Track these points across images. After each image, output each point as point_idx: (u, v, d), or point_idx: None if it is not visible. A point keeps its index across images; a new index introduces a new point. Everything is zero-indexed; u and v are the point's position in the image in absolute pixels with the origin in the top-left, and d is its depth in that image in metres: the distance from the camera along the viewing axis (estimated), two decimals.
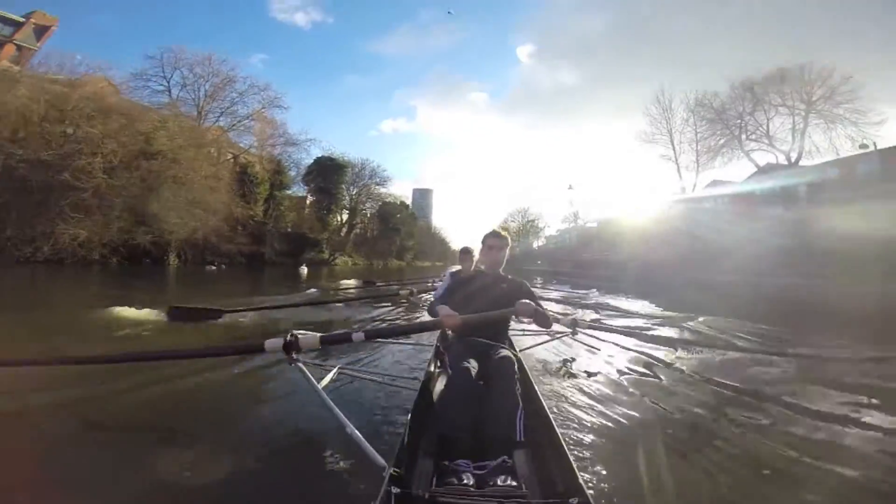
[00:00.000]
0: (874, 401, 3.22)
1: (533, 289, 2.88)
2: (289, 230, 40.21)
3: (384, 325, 5.78)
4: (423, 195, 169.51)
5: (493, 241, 2.75)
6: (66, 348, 4.39)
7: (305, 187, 50.33)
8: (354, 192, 59.41)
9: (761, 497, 1.98)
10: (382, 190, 64.38)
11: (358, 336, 2.09)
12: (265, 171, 37.52)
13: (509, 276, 2.85)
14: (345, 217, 58.74)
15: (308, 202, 50.34)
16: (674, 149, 37.86)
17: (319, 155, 49.76)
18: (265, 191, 37.29)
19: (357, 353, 4.24)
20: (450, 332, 2.75)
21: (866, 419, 2.87)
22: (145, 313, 6.36)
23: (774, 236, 20.39)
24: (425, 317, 3.63)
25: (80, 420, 2.78)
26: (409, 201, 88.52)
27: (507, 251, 2.78)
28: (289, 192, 43.84)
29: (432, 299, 3.47)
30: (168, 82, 35.80)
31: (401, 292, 7.77)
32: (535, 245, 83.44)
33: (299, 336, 2.00)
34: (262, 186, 36.91)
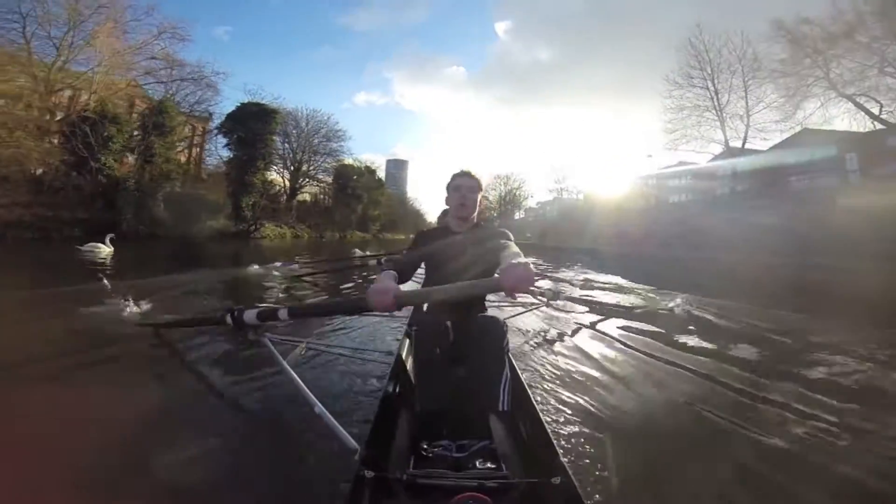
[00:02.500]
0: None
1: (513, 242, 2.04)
2: (177, 190, 28.33)
3: (342, 333, 3.83)
4: (397, 166, 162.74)
5: (460, 180, 2.22)
6: None
7: (225, 141, 38.36)
8: (297, 148, 47.56)
9: (739, 479, 1.78)
10: (345, 155, 53.18)
11: (283, 314, 1.86)
12: (128, 110, 25.43)
13: (484, 227, 2.30)
14: (281, 179, 47.16)
15: (226, 159, 38.48)
16: (715, 94, 28.49)
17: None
18: (123, 138, 25.37)
19: (328, 325, 3.95)
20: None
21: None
22: None
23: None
24: None
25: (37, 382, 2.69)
26: (382, 173, 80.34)
27: (480, 196, 2.24)
28: (184, 143, 31.80)
29: None
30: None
31: (370, 263, 7.96)
32: (516, 217, 74.20)
33: (245, 311, 2.00)
34: (118, 130, 24.97)
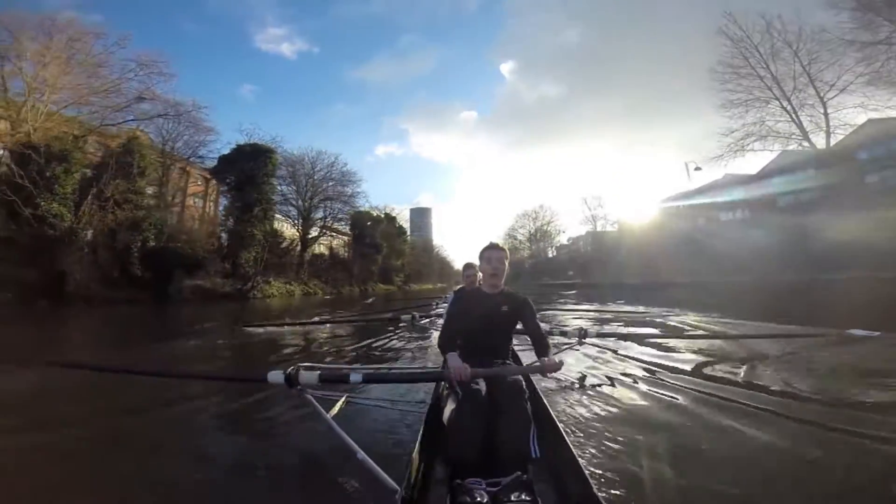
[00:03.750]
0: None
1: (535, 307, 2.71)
2: (150, 244, 22.64)
3: (384, 365, 4.51)
4: (420, 214, 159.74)
5: (489, 253, 2.62)
6: None
7: (224, 189, 33.91)
8: (304, 194, 42.78)
9: None
10: (361, 202, 48.58)
11: (356, 377, 2.13)
12: (77, 146, 20.44)
13: (510, 293, 2.66)
14: (291, 231, 42.13)
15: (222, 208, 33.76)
16: (775, 82, 22.85)
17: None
18: (72, 180, 20.07)
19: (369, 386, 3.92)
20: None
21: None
22: None
23: None
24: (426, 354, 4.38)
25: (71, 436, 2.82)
26: (406, 223, 74.82)
27: (507, 263, 2.63)
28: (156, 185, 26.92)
29: (441, 321, 3.53)
30: None
31: (402, 317, 7.77)
32: (549, 254, 67.76)
33: (301, 371, 2.19)
34: (65, 171, 19.69)
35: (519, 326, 2.65)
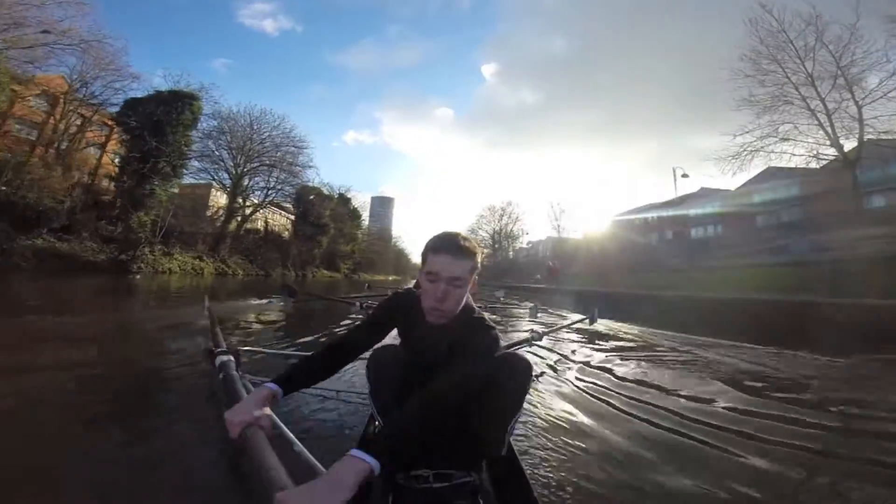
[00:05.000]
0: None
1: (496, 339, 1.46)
2: None
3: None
4: (382, 203, 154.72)
5: (439, 262, 1.38)
6: None
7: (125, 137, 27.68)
8: (241, 159, 36.84)
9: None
10: (309, 176, 43.11)
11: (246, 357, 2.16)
12: None
13: (467, 318, 1.48)
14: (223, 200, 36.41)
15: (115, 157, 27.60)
16: (811, 80, 19.35)
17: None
18: None
19: None
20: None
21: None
22: None
23: None
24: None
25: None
26: (366, 213, 71.66)
27: (475, 277, 1.46)
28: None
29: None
30: None
31: (354, 304, 7.22)
32: (509, 255, 64.69)
33: (218, 355, 2.16)
34: None
35: None
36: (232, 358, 2.17)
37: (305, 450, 1.44)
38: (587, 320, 6.02)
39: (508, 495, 1.49)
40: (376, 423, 1.69)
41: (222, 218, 35.41)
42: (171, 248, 27.27)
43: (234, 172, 36.29)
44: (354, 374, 3.28)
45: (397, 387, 1.52)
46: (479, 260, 1.43)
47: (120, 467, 1.88)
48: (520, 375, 1.46)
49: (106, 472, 1.85)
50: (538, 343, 4.34)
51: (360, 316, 6.49)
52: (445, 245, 1.37)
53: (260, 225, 43.73)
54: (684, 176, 30.03)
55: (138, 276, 19.01)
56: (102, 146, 28.36)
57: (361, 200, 62.69)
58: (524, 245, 67.11)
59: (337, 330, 6.31)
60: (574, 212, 63.43)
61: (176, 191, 28.82)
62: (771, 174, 25.66)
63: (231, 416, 1.22)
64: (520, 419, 1.72)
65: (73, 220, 21.24)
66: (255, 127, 37.83)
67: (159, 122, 26.30)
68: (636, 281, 21.36)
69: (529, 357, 2.06)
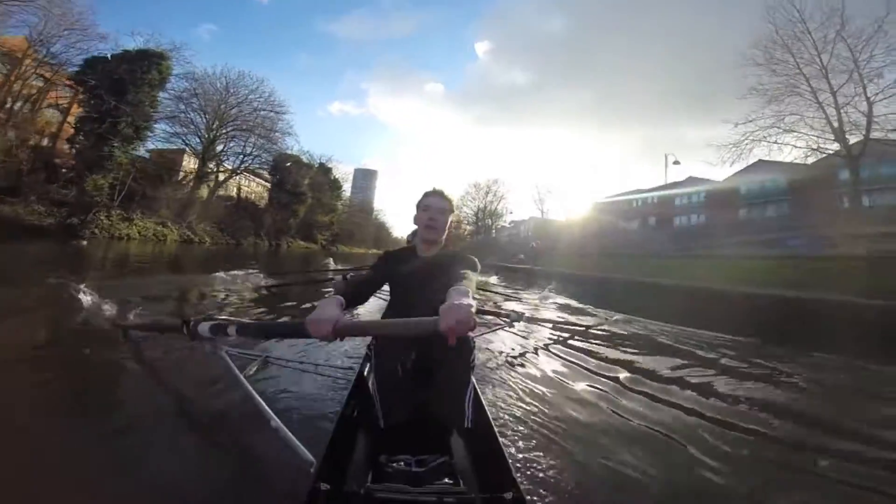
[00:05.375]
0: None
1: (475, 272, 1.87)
2: None
3: (299, 349, 3.55)
4: (365, 176, 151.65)
5: (429, 199, 2.05)
6: None
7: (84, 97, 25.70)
8: (214, 123, 34.97)
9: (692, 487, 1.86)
10: (287, 142, 41.33)
11: (231, 329, 1.72)
12: None
13: (450, 252, 2.10)
14: (191, 164, 34.71)
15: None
16: (824, 71, 18.94)
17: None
18: None
19: (287, 340, 3.65)
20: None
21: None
22: None
23: None
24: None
25: None
26: (349, 183, 70.01)
27: (451, 218, 2.08)
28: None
29: None
30: None
31: (336, 278, 7.34)
32: (492, 234, 64.11)
33: (199, 323, 1.86)
34: None
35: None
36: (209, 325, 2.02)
37: (283, 426, 1.50)
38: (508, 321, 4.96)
39: (487, 472, 1.51)
40: (368, 405, 1.77)
41: (190, 183, 33.70)
42: (131, 214, 25.81)
43: (206, 137, 34.41)
44: (333, 348, 3.40)
45: (400, 375, 1.73)
46: (454, 206, 2.06)
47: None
48: (462, 350, 1.66)
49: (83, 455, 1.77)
50: (516, 323, 4.30)
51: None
52: (434, 191, 2.04)
53: (233, 192, 42.03)
54: (676, 163, 29.69)
55: (84, 242, 17.62)
56: (67, 109, 26.36)
57: (344, 171, 60.83)
58: (506, 224, 66.41)
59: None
60: (560, 194, 63.56)
61: (143, 154, 27.17)
62: (759, 167, 25.30)
63: (319, 317, 1.35)
64: (484, 395, 1.83)
65: (21, 183, 19.66)
66: (232, 90, 35.79)
67: (121, 80, 24.46)
68: (614, 265, 21.17)
69: (508, 338, 3.26)
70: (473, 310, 1.29)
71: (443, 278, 1.69)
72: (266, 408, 1.61)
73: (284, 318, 4.47)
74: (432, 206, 1.99)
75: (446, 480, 1.40)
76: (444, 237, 2.05)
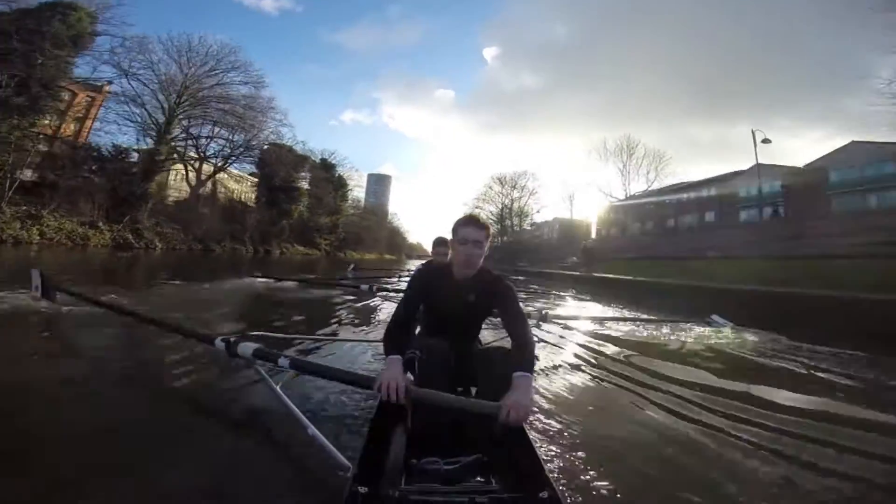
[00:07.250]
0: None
1: (517, 293, 2.10)
2: None
3: (323, 357, 3.72)
4: (379, 181, 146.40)
5: (465, 231, 1.95)
6: None
7: None
8: (172, 99, 27.95)
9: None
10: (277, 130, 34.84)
11: (284, 362, 1.92)
12: None
13: (485, 277, 2.04)
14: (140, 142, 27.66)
15: None
16: None
17: None
18: None
19: (318, 349, 3.85)
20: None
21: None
22: None
23: None
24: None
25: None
26: (362, 189, 65.78)
27: (487, 246, 1.99)
28: None
29: (398, 301, 2.42)
30: None
31: (361, 287, 7.53)
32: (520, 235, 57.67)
33: (239, 342, 2.09)
34: None
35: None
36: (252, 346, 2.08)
37: (319, 433, 1.66)
38: (534, 321, 4.78)
39: (520, 471, 1.50)
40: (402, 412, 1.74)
41: (138, 175, 26.46)
42: (40, 211, 18.72)
43: (154, 119, 27.37)
44: (358, 355, 3.59)
45: (446, 377, 1.80)
46: (490, 233, 1.99)
47: None
48: (503, 363, 1.71)
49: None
50: (543, 324, 4.61)
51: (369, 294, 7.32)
52: (471, 220, 1.98)
53: (208, 188, 34.97)
54: (765, 141, 22.04)
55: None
56: None
57: (358, 180, 54.35)
58: (527, 227, 58.41)
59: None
60: (582, 195, 57.44)
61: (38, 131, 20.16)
62: (850, 149, 22.61)
63: (389, 379, 1.54)
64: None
65: None
66: (188, 58, 28.79)
67: (5, 34, 17.47)
68: (706, 269, 15.35)
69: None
70: (531, 401, 1.51)
71: (472, 297, 1.97)
72: (302, 416, 1.75)
73: (346, 368, 2.99)
74: (469, 239, 1.91)
75: (479, 479, 1.41)
76: (479, 265, 2.00)
